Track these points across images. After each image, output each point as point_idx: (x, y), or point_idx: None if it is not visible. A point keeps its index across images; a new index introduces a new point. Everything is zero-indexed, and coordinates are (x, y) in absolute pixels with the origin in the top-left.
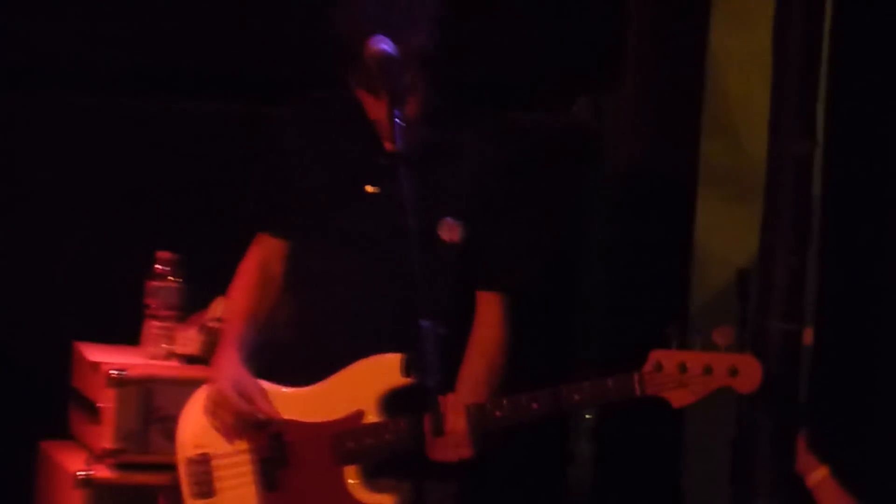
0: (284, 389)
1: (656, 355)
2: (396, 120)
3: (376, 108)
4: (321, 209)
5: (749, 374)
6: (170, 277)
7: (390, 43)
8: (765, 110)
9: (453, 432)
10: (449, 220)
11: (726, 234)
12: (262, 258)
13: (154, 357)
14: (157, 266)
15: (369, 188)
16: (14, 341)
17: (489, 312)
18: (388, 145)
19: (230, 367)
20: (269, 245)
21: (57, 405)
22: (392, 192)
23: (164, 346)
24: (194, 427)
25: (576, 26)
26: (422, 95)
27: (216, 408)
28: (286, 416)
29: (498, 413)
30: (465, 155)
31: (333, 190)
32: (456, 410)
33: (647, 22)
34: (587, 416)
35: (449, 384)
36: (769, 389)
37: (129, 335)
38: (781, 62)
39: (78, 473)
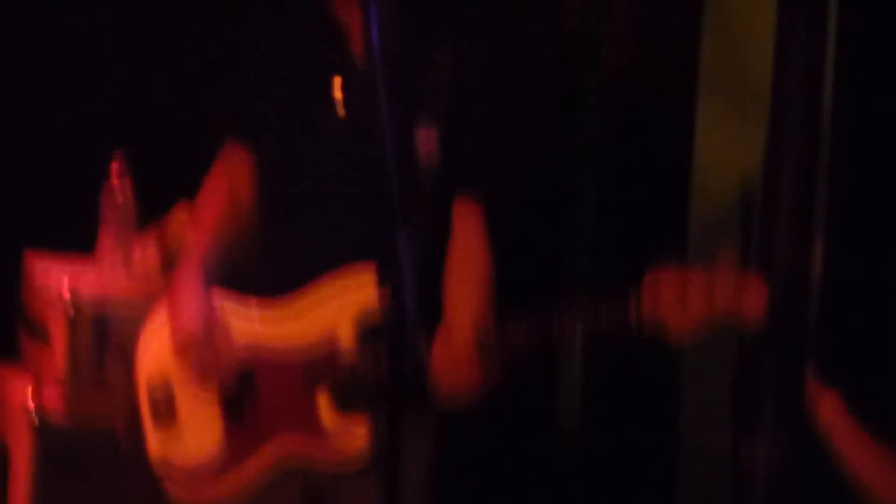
0: (252, 310)
1: (655, 274)
2: (371, 20)
3: (346, 5)
4: (290, 114)
5: (754, 294)
6: (128, 182)
7: None
8: (769, 7)
9: (459, 356)
10: (424, 128)
11: (728, 144)
12: (228, 170)
13: (109, 270)
14: (114, 169)
15: (338, 92)
16: None
17: (470, 226)
18: (358, 46)
19: (194, 298)
20: (237, 156)
21: (3, 326)
22: (363, 95)
23: (120, 257)
24: (157, 349)
25: None
26: None
27: (183, 352)
28: (254, 340)
29: (503, 336)
30: (442, 55)
31: (301, 94)
32: (462, 331)
33: None
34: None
35: (433, 302)
36: (774, 318)
37: (83, 243)
38: None
39: (27, 403)
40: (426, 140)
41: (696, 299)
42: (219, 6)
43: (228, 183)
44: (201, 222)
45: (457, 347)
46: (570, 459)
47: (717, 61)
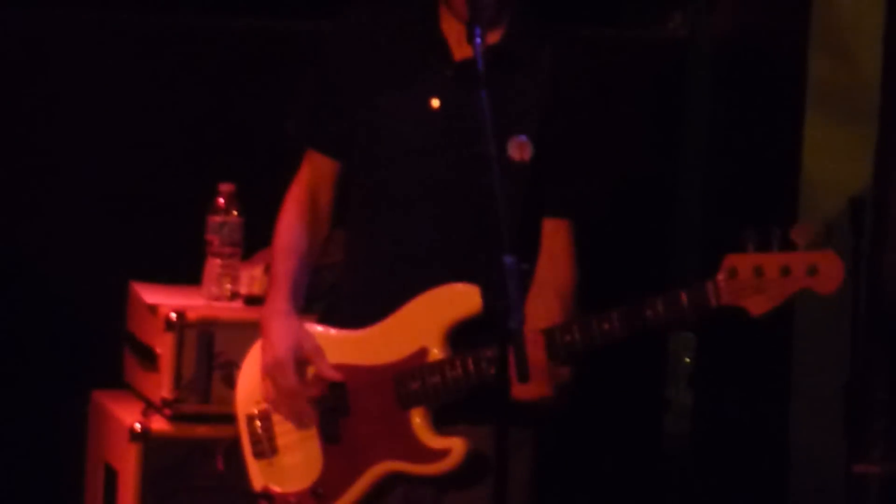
0: (343, 332)
1: (731, 260)
2: (477, 39)
3: (449, 22)
4: (378, 123)
5: (829, 271)
6: (233, 212)
7: None
8: (878, 22)
9: (533, 367)
10: (519, 137)
11: (837, 158)
12: (310, 183)
13: (216, 298)
14: (218, 200)
15: (434, 102)
16: (65, 281)
17: (558, 242)
18: (456, 55)
19: (283, 323)
20: (319, 166)
21: (111, 351)
22: (459, 107)
23: (226, 286)
24: (254, 381)
25: None
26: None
27: (274, 375)
28: (345, 361)
29: (567, 338)
30: (537, 69)
31: (393, 102)
32: (534, 342)
33: None
34: (686, 361)
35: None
36: (886, 327)
37: (188, 275)
38: None
39: (133, 426)
40: (519, 149)
41: (773, 281)
42: (317, 20)
43: (309, 199)
44: (283, 244)
45: (531, 354)
46: (676, 461)
47: (826, 78)
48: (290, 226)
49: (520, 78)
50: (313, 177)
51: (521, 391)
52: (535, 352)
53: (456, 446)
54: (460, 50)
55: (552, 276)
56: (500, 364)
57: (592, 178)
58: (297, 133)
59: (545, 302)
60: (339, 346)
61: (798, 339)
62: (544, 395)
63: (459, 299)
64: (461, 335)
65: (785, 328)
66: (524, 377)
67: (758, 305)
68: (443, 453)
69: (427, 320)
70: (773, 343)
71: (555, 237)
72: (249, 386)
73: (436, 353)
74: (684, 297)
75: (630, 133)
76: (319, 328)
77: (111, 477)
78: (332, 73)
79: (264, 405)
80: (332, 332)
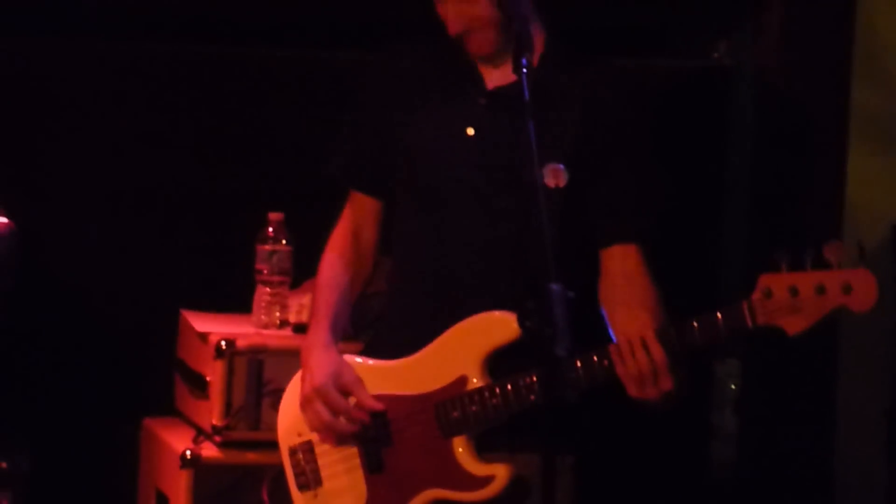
0: (382, 362)
1: (765, 280)
2: (524, 70)
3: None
4: (417, 156)
5: (864, 289)
6: (282, 241)
7: None
8: None
9: (652, 365)
10: (554, 164)
11: (880, 187)
12: (354, 222)
13: (265, 326)
14: (268, 229)
15: (469, 131)
16: (116, 309)
17: (630, 264)
18: (489, 84)
19: (323, 354)
20: (362, 206)
21: (162, 378)
22: (494, 135)
23: (276, 314)
24: (295, 413)
25: None
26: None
27: (313, 404)
28: (386, 391)
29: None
30: (571, 98)
31: (430, 134)
32: (649, 340)
33: None
34: (732, 387)
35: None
36: None
37: (239, 303)
38: None
39: (184, 452)
40: (554, 176)
41: (808, 300)
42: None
43: (353, 237)
44: (327, 279)
45: (643, 356)
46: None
47: (869, 106)
48: (331, 263)
49: (552, 106)
50: (356, 216)
51: (642, 389)
52: (655, 351)
53: (500, 473)
54: (492, 79)
55: (633, 295)
56: (546, 391)
57: (649, 203)
58: (339, 175)
59: (636, 317)
60: (378, 376)
61: (843, 365)
62: (666, 390)
63: (497, 327)
64: (502, 360)
65: (829, 354)
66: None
67: (794, 325)
68: (487, 480)
69: (465, 349)
70: (817, 369)
71: (626, 260)
72: (290, 418)
73: (475, 381)
74: (720, 318)
75: (677, 161)
76: (359, 359)
77: (162, 503)
78: (369, 114)
79: (306, 436)
80: (371, 362)
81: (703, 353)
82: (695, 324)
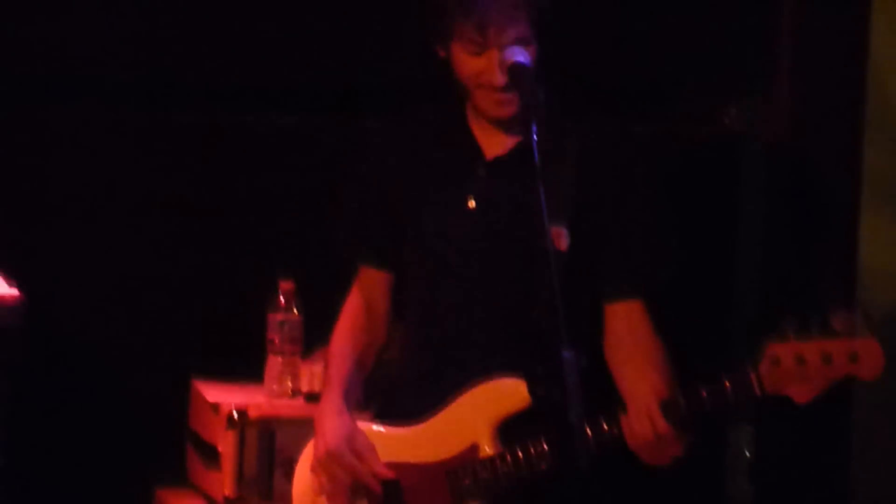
0: (394, 429)
1: (773, 349)
2: (534, 136)
3: (478, 117)
4: (422, 228)
5: (870, 358)
6: (293, 310)
7: (525, 53)
8: None
9: (658, 437)
10: (556, 227)
11: (893, 251)
12: (364, 294)
13: (277, 395)
14: (279, 298)
15: (471, 202)
16: (128, 379)
17: (634, 320)
18: (487, 155)
19: (336, 420)
20: (371, 279)
21: (174, 449)
22: (495, 204)
23: (287, 383)
24: (309, 480)
25: (725, 29)
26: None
27: (326, 469)
28: (399, 459)
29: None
30: (569, 161)
31: (433, 206)
32: (654, 414)
33: (801, 22)
34: (746, 454)
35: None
36: None
37: (250, 372)
38: None
39: None
40: (557, 238)
41: (815, 369)
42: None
43: (365, 309)
44: (339, 349)
45: (652, 425)
46: None
47: (881, 170)
48: (344, 333)
49: (551, 169)
50: (366, 289)
51: (653, 457)
52: (658, 422)
53: None
54: (490, 149)
55: (639, 352)
56: (559, 457)
57: (653, 257)
58: (345, 251)
59: (643, 378)
60: (390, 443)
61: (858, 432)
62: (676, 455)
63: (507, 394)
64: (513, 426)
65: (844, 420)
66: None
67: (802, 394)
68: None
69: (476, 416)
70: (832, 436)
71: (630, 317)
72: (304, 485)
73: (486, 448)
74: (728, 386)
75: (688, 225)
76: (371, 426)
77: None
78: (372, 188)
79: (320, 502)
80: (384, 429)
81: (714, 418)
82: (703, 392)
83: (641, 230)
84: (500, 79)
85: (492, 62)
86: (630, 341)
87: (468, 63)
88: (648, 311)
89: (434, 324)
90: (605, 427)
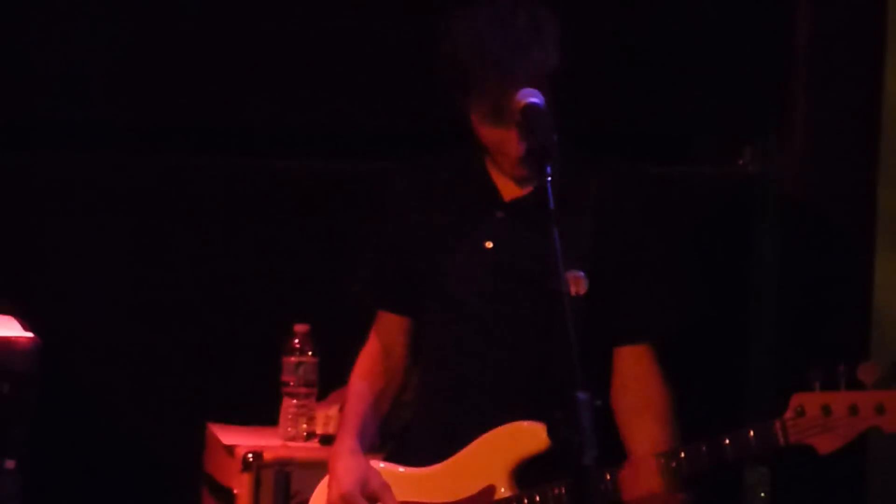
0: (410, 470)
1: (798, 399)
2: (548, 178)
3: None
4: (439, 272)
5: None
6: (308, 352)
7: (538, 94)
8: None
9: (653, 493)
10: (574, 271)
11: None
12: (382, 338)
13: (292, 438)
14: (294, 341)
15: (489, 244)
16: (143, 423)
17: (643, 366)
18: (505, 197)
19: (351, 461)
20: (390, 323)
21: (190, 492)
22: (512, 247)
23: (303, 426)
24: None
25: (740, 72)
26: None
27: None
28: (414, 499)
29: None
30: (586, 204)
31: (451, 250)
32: (648, 468)
33: (816, 66)
34: (762, 496)
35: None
36: None
37: (265, 415)
38: None
39: None
40: (575, 283)
41: (841, 420)
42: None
43: (383, 353)
44: (356, 392)
45: (646, 480)
46: None
47: (895, 211)
48: (361, 375)
49: (569, 212)
50: (385, 333)
51: None
52: (650, 478)
53: None
54: (508, 191)
55: (643, 400)
56: (576, 501)
57: (662, 302)
58: (364, 297)
59: (645, 427)
60: (406, 484)
61: (872, 476)
62: None
63: (525, 437)
64: (529, 470)
65: (858, 463)
66: None
67: (826, 444)
68: None
69: (493, 458)
70: (847, 478)
71: (638, 361)
72: None
73: (503, 491)
74: (752, 435)
75: (701, 266)
76: (387, 466)
77: None
78: (390, 234)
79: None
80: (400, 469)
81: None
82: (727, 441)
83: (653, 274)
84: (519, 150)
85: (511, 134)
86: (635, 387)
87: (488, 133)
88: (658, 357)
89: (450, 366)
90: (609, 477)
